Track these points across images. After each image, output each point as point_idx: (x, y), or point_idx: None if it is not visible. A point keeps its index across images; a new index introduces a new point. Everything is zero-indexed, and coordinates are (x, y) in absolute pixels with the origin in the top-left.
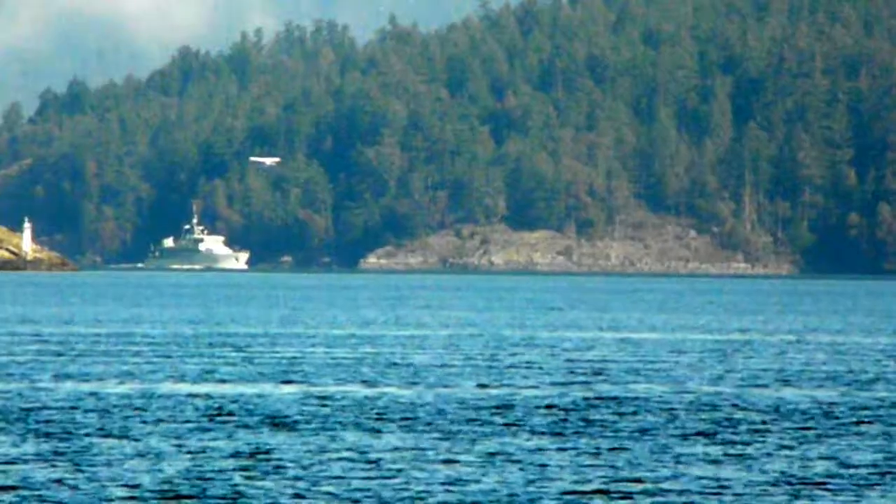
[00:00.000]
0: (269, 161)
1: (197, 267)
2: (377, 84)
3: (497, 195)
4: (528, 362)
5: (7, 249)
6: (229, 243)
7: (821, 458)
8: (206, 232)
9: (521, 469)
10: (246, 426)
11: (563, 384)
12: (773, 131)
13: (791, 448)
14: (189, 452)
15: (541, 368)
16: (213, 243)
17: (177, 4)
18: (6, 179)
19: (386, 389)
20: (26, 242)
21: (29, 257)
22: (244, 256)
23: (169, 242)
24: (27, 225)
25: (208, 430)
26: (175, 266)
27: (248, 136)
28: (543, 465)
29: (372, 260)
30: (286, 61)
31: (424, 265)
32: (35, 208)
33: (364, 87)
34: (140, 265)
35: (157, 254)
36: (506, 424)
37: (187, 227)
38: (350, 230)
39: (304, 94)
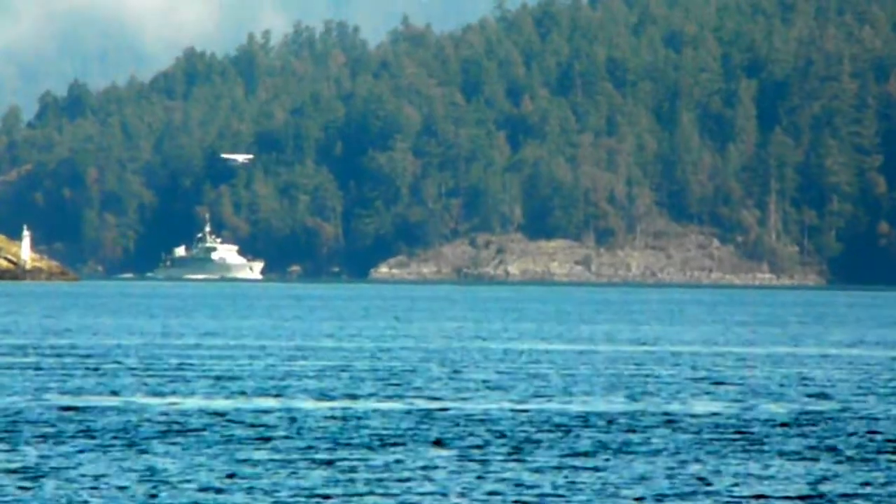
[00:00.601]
0: (241, 158)
1: (208, 277)
2: (389, 87)
3: (513, 203)
4: (566, 375)
5: (5, 258)
6: (242, 252)
7: (863, 476)
8: (219, 241)
9: (552, 486)
10: (267, 439)
11: (600, 399)
12: (799, 137)
13: (835, 464)
14: (211, 470)
15: (578, 382)
16: (227, 252)
17: (182, 4)
18: (4, 186)
19: (416, 405)
20: (25, 251)
21: (28, 266)
22: (258, 266)
23: (181, 251)
24: (26, 233)
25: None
26: (187, 276)
27: (255, 141)
28: (573, 482)
29: (383, 270)
30: (295, 63)
31: (438, 275)
32: (34, 216)
33: (375, 90)
34: (150, 274)
35: (168, 263)
36: (538, 441)
37: (200, 235)
38: (361, 239)
39: (314, 98)
